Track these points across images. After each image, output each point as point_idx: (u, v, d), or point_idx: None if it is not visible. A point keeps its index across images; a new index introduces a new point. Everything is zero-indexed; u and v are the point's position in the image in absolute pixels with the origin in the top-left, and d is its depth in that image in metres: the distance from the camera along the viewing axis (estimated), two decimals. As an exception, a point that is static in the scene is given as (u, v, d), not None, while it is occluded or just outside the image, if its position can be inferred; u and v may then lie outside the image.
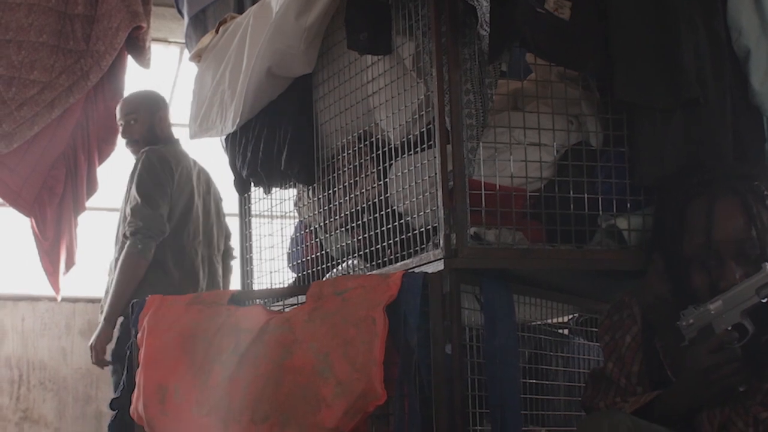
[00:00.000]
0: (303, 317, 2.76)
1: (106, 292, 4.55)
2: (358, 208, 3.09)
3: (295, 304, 2.97)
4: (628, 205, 2.84)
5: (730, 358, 2.33)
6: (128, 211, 4.44)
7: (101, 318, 4.45)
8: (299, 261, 3.47)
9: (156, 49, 6.02)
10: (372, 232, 3.01)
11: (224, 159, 3.67)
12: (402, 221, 2.91)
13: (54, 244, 5.54)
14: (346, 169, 3.16)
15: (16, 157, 5.37)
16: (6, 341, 6.61)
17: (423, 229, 2.81)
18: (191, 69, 3.91)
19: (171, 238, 4.49)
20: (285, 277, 3.60)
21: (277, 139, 3.33)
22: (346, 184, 3.15)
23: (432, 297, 2.66)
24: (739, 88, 2.90)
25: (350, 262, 3.15)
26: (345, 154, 3.18)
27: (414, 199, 2.85)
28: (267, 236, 3.69)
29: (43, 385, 6.64)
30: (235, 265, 4.79)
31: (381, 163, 3.01)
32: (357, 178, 3.11)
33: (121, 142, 4.90)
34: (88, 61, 5.36)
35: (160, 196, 4.46)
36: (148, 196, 4.43)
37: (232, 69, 3.43)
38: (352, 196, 3.12)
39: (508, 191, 2.77)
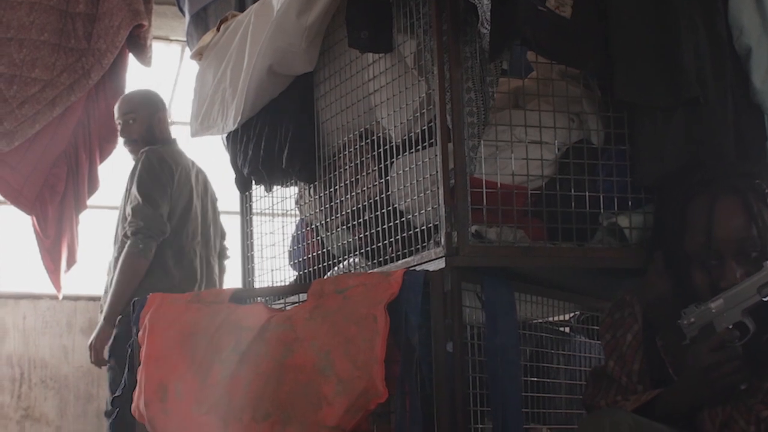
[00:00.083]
0: (304, 315, 2.76)
1: (106, 292, 4.55)
2: (360, 206, 3.09)
3: (296, 302, 2.97)
4: (630, 203, 2.84)
5: (731, 357, 2.33)
6: (128, 211, 4.44)
7: (101, 317, 4.45)
8: (300, 259, 3.47)
9: (157, 48, 6.04)
10: (373, 230, 3.01)
11: (219, 158, 3.67)
12: (403, 219, 2.91)
13: (55, 242, 5.54)
14: (347, 167, 3.16)
15: (17, 155, 5.38)
16: (7, 339, 6.61)
17: (424, 227, 2.81)
18: (192, 67, 3.91)
19: (171, 238, 4.49)
20: (286, 275, 3.60)
21: (279, 137, 3.33)
22: (348, 182, 3.15)
23: (433, 295, 2.66)
24: (740, 86, 2.89)
25: (351, 260, 3.15)
26: (346, 152, 3.18)
27: (415, 197, 2.85)
28: (268, 234, 3.69)
29: (45, 384, 6.65)
30: (236, 263, 4.78)
31: (382, 161, 3.01)
32: (358, 176, 3.11)
33: (121, 140, 4.89)
34: (89, 59, 5.37)
35: (161, 196, 4.46)
36: (149, 196, 4.43)
37: (234, 67, 3.43)
38: (353, 194, 3.12)
39: (509, 189, 2.77)
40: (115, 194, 4.74)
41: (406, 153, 2.92)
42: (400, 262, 2.88)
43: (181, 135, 4.83)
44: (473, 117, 2.76)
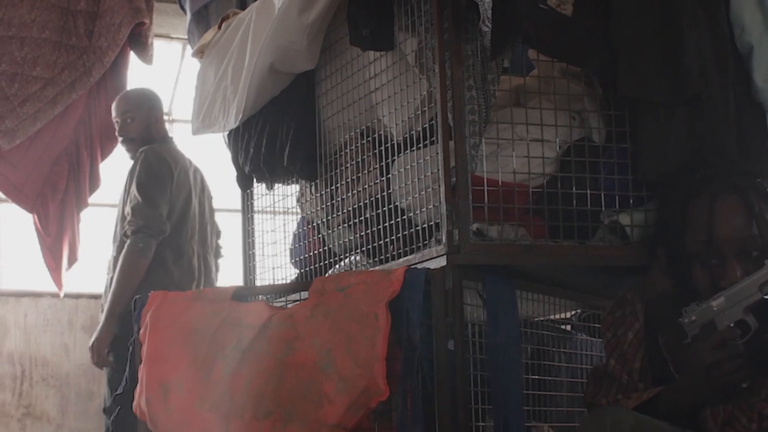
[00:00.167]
0: (305, 313, 2.76)
1: (106, 291, 4.56)
2: (361, 204, 3.09)
3: (297, 300, 2.97)
4: (631, 201, 2.84)
5: (732, 355, 2.33)
6: (128, 210, 4.44)
7: (102, 317, 4.45)
8: (302, 257, 3.47)
9: (158, 45, 6.04)
10: (374, 228, 3.01)
11: (220, 156, 3.67)
12: (404, 217, 2.91)
13: (56, 240, 5.54)
14: (348, 165, 3.16)
15: (18, 153, 5.38)
16: (8, 337, 6.61)
17: (425, 225, 2.81)
18: (194, 65, 3.91)
19: (170, 237, 4.50)
20: (287, 273, 3.60)
21: (280, 135, 3.33)
22: (349, 180, 3.15)
23: (434, 293, 2.66)
24: (742, 84, 2.89)
25: (353, 258, 3.15)
26: (348, 150, 3.18)
27: (416, 195, 2.85)
28: (269, 232, 3.69)
29: (46, 381, 6.65)
30: (238, 261, 4.79)
31: (384, 159, 3.01)
32: (360, 174, 3.11)
33: (118, 139, 4.88)
34: (90, 57, 5.37)
35: (161, 195, 4.46)
36: (149, 195, 4.43)
37: (235, 65, 3.43)
38: (355, 192, 3.12)
39: (510, 187, 2.77)
40: (116, 192, 4.74)
41: (408, 151, 2.92)
42: (401, 260, 2.88)
43: (182, 133, 4.83)
44: (474, 115, 2.76)
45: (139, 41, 5.46)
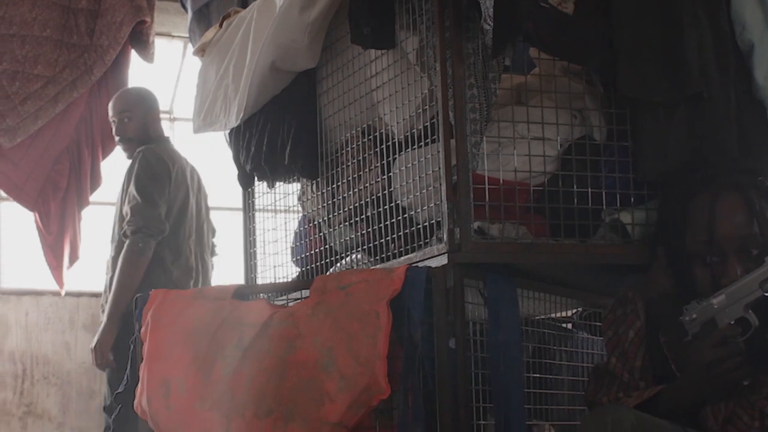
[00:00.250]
0: (307, 312, 2.76)
1: (105, 291, 4.56)
2: (362, 202, 3.09)
3: (298, 299, 2.97)
4: (632, 199, 2.83)
5: (733, 353, 2.33)
6: (126, 210, 4.44)
7: (103, 318, 4.44)
8: (303, 255, 3.47)
9: (160, 44, 6.04)
10: (376, 227, 3.01)
11: (220, 154, 3.67)
12: (406, 216, 2.91)
13: (58, 238, 5.55)
14: (349, 163, 3.16)
15: (19, 151, 5.38)
16: (10, 336, 6.62)
17: (427, 224, 2.81)
18: (195, 63, 3.91)
19: (168, 237, 4.50)
20: (289, 271, 3.60)
21: (281, 133, 3.33)
22: (350, 178, 3.15)
23: (435, 291, 2.66)
24: (743, 82, 2.89)
25: (354, 256, 3.15)
26: (349, 148, 3.18)
27: (418, 194, 2.85)
28: (271, 230, 3.69)
29: (47, 380, 6.66)
30: (239, 260, 4.80)
31: (385, 158, 3.01)
32: (361, 173, 3.11)
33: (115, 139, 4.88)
34: (91, 55, 5.37)
35: (159, 195, 4.47)
36: (148, 195, 4.43)
37: (236, 63, 3.43)
38: (356, 190, 3.12)
39: (511, 185, 2.77)
40: (117, 191, 4.74)
41: (409, 149, 2.92)
42: (402, 258, 2.88)
43: (183, 132, 4.83)
44: (476, 113, 2.76)
45: (140, 39, 5.47)
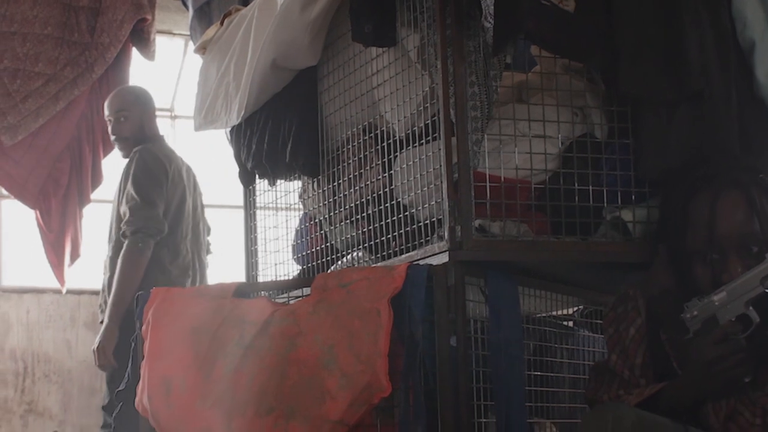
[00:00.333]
0: (308, 309, 2.76)
1: (103, 290, 4.56)
2: (363, 200, 3.09)
3: (299, 297, 2.97)
4: (633, 197, 2.83)
5: (734, 350, 2.33)
6: (125, 210, 4.44)
7: (104, 318, 4.44)
8: (304, 253, 3.47)
9: (161, 42, 6.05)
10: (377, 224, 3.01)
11: (221, 152, 3.66)
12: (407, 213, 2.91)
13: (59, 236, 5.56)
14: (350, 161, 3.16)
15: (20, 149, 5.39)
16: (11, 333, 6.62)
17: (428, 221, 2.81)
18: (196, 61, 3.91)
19: (166, 237, 4.51)
20: (290, 269, 3.60)
21: (282, 131, 3.33)
22: (351, 176, 3.15)
23: (437, 289, 2.66)
24: (744, 80, 2.89)
25: (355, 254, 3.15)
26: (350, 146, 3.18)
27: (419, 191, 2.85)
28: (272, 228, 3.69)
29: (48, 378, 6.66)
30: (240, 257, 4.80)
31: (386, 155, 3.01)
32: (362, 170, 3.11)
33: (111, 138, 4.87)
34: (92, 53, 5.38)
35: (157, 195, 4.47)
36: (146, 195, 4.43)
37: (237, 61, 3.43)
38: (357, 188, 3.12)
39: (512, 183, 2.77)
40: (114, 190, 4.74)
41: (410, 147, 2.92)
42: (403, 256, 2.88)
43: (184, 129, 4.83)
44: (477, 111, 2.76)
45: (141, 37, 5.47)
